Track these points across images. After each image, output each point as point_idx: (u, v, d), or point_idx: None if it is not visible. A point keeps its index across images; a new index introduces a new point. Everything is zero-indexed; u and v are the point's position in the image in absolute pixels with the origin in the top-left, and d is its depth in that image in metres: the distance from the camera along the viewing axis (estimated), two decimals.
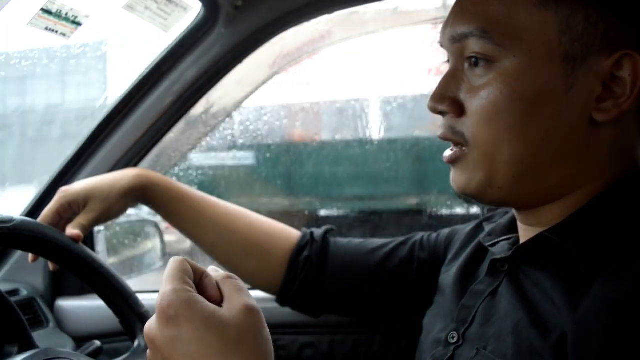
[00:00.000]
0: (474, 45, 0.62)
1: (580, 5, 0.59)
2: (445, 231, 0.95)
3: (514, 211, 0.70)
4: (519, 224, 0.70)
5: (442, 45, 0.69)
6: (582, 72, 0.59)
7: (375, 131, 1.94)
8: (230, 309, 0.49)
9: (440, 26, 0.68)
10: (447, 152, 0.67)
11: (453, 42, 0.65)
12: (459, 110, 0.64)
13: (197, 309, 0.48)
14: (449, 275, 0.81)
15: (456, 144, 0.66)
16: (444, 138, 0.67)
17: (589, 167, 0.61)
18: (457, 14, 0.65)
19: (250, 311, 0.49)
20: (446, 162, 0.68)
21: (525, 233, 0.68)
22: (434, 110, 0.66)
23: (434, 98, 0.65)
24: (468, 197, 0.67)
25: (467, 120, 0.63)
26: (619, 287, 0.52)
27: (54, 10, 0.84)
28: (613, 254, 0.56)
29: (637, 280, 0.51)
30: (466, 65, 0.64)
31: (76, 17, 0.87)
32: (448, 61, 0.68)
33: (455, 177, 0.67)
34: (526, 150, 0.61)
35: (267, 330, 0.51)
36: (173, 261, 0.51)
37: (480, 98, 0.62)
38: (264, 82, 1.34)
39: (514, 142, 0.61)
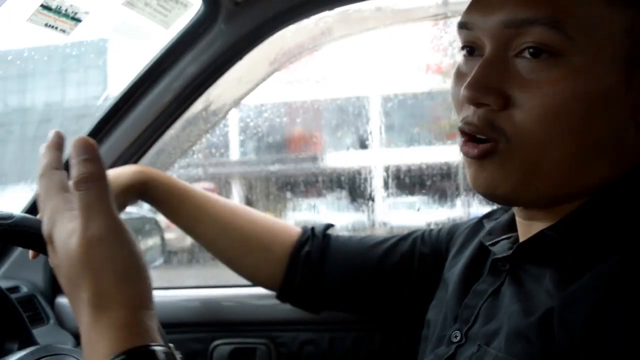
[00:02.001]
0: (541, 35, 0.56)
1: None
2: (446, 226, 0.95)
3: (516, 208, 0.69)
4: (519, 220, 0.68)
5: (469, 28, 0.62)
6: (637, 76, 0.58)
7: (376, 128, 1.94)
8: (75, 229, 0.50)
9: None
10: (470, 146, 0.61)
11: (505, 27, 0.58)
12: (504, 103, 0.58)
13: (58, 233, 0.52)
14: (453, 272, 0.80)
15: (489, 141, 0.60)
16: (477, 132, 0.60)
17: (622, 169, 0.60)
18: None
19: (83, 231, 0.50)
20: (472, 157, 0.61)
21: (525, 230, 0.67)
22: (475, 102, 0.59)
23: (477, 88, 0.58)
24: (493, 198, 0.62)
25: (514, 115, 0.58)
26: (610, 268, 0.52)
27: (53, 7, 0.84)
28: (611, 250, 0.55)
29: (627, 263, 0.52)
30: (511, 53, 0.59)
31: (76, 14, 0.87)
32: (467, 46, 0.64)
33: (483, 176, 0.61)
34: (578, 152, 0.58)
35: (116, 239, 0.50)
36: (43, 173, 0.54)
37: (541, 94, 0.56)
38: (264, 79, 1.34)
39: (568, 142, 0.57)
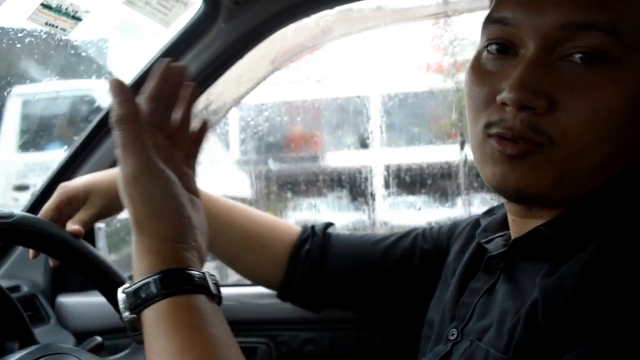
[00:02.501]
0: (598, 40, 0.55)
1: None
2: (447, 224, 0.95)
3: (508, 205, 0.67)
4: (513, 218, 0.67)
5: (509, 24, 0.59)
6: None
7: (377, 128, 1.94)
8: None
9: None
10: (509, 145, 0.58)
11: (561, 28, 0.56)
12: (549, 106, 0.56)
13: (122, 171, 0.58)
14: (453, 271, 0.81)
15: (532, 144, 0.58)
16: (520, 137, 0.58)
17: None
18: None
19: (122, 169, 0.57)
20: (508, 154, 0.58)
21: (518, 226, 0.66)
22: (522, 104, 0.56)
23: (526, 89, 0.56)
24: (521, 197, 0.61)
25: (560, 118, 0.56)
26: (588, 253, 0.53)
27: (53, 5, 0.84)
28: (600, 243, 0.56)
29: (606, 247, 0.53)
30: (556, 56, 0.57)
31: (76, 12, 0.87)
32: (498, 43, 0.61)
33: (516, 175, 0.59)
34: (614, 153, 0.58)
35: (149, 178, 0.56)
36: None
37: (590, 98, 0.55)
38: (264, 78, 1.34)
39: (609, 146, 0.57)
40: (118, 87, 0.56)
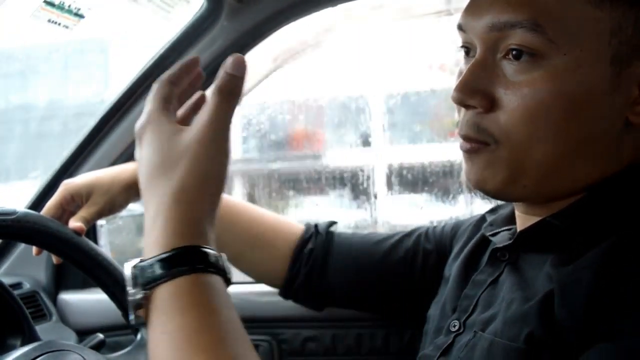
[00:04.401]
0: (521, 37, 0.57)
1: (633, 8, 0.57)
2: (450, 223, 0.95)
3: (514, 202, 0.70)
4: (519, 214, 0.69)
5: (464, 30, 0.64)
6: (626, 75, 0.58)
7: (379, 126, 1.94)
8: (191, 127, 0.52)
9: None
10: (463, 143, 0.63)
11: (491, 30, 0.60)
12: (489, 105, 0.60)
13: (158, 130, 0.52)
14: (454, 266, 0.81)
15: (477, 142, 0.61)
16: (466, 138, 0.62)
17: (614, 166, 0.61)
18: None
19: (204, 128, 0.51)
20: (464, 151, 0.64)
21: (524, 222, 0.68)
22: (461, 103, 0.61)
23: (463, 89, 0.60)
24: (484, 192, 0.64)
25: (499, 116, 0.59)
26: (608, 246, 0.54)
27: (56, 3, 0.84)
28: (610, 233, 0.56)
29: (625, 240, 0.54)
30: (499, 55, 0.60)
31: (79, 10, 0.87)
32: (464, 47, 0.65)
33: (474, 171, 0.63)
34: (562, 150, 0.59)
35: (221, 147, 0.52)
36: (155, 84, 0.55)
37: (523, 95, 0.58)
38: (266, 76, 1.33)
39: (551, 142, 0.59)
40: (238, 62, 0.53)
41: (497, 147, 0.60)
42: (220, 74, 0.53)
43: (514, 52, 0.58)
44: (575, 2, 0.57)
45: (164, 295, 0.48)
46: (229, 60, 0.53)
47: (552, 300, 0.54)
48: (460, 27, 0.64)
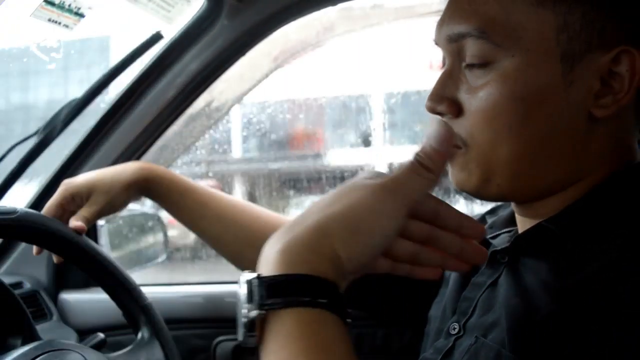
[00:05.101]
0: (472, 46, 0.61)
1: (577, 3, 0.58)
2: None
3: (512, 204, 0.71)
4: (518, 217, 0.70)
5: (437, 44, 0.67)
6: (580, 70, 0.59)
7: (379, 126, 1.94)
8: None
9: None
10: None
11: (449, 41, 0.63)
12: (457, 111, 0.63)
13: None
14: None
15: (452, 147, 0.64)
16: None
17: (588, 161, 0.62)
18: (453, 12, 0.63)
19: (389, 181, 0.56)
20: None
21: (523, 225, 0.68)
22: (432, 111, 0.65)
23: (431, 98, 0.64)
24: (465, 192, 0.66)
25: (465, 121, 0.62)
26: (615, 253, 0.54)
27: (57, 2, 0.84)
28: (610, 239, 0.56)
29: (631, 247, 0.54)
30: (464, 64, 0.63)
31: (79, 9, 0.87)
32: (443, 58, 0.67)
33: (454, 174, 0.66)
34: (525, 149, 0.61)
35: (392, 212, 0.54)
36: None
37: (479, 98, 0.61)
38: (266, 76, 1.33)
39: (513, 142, 0.60)
40: (445, 135, 0.56)
41: (467, 150, 0.63)
42: (424, 139, 0.56)
43: (469, 61, 0.61)
44: (517, 5, 0.59)
45: (284, 320, 0.47)
46: (437, 129, 0.56)
47: (556, 319, 0.55)
48: (434, 41, 0.68)
